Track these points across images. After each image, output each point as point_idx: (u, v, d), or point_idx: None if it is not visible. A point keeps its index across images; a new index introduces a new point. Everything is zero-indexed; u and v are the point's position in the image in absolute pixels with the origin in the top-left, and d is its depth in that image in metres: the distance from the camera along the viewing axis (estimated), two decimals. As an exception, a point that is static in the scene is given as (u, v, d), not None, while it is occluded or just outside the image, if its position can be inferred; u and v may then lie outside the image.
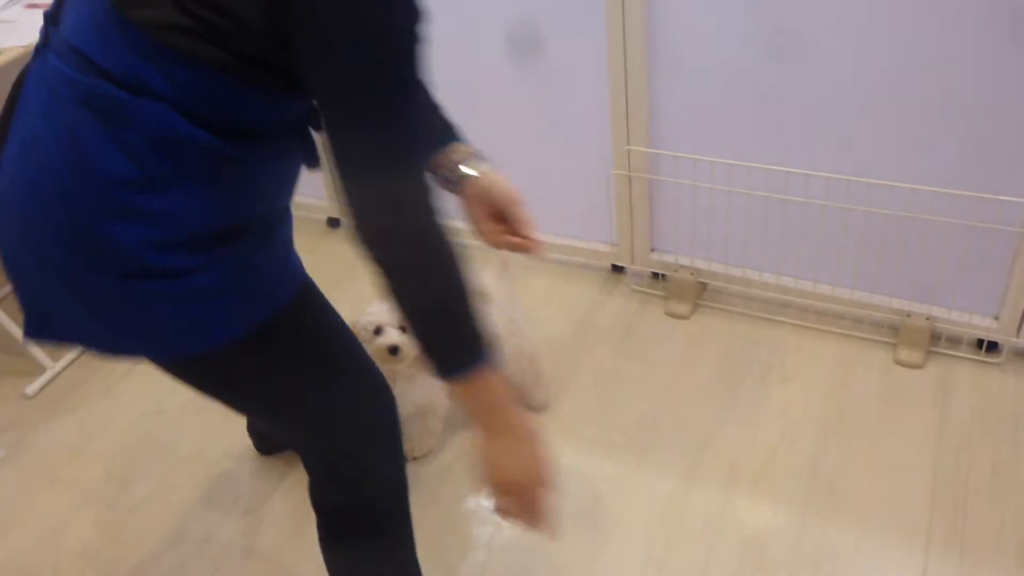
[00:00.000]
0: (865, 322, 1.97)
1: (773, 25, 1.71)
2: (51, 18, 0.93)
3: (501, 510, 1.02)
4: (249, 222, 0.95)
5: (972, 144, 1.67)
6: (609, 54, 1.86)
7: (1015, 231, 1.68)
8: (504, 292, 1.80)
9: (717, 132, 1.89)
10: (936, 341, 1.89)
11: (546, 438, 1.01)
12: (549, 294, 2.20)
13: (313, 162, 1.02)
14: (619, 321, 2.10)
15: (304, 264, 1.14)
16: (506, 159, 2.18)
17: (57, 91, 0.87)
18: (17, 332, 2.08)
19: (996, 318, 1.83)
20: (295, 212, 1.10)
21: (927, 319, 1.87)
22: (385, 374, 1.23)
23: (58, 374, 2.14)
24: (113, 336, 0.97)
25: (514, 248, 1.18)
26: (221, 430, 1.91)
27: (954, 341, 1.89)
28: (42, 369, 2.12)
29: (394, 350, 1.57)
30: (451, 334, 0.93)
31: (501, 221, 1.17)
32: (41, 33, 0.94)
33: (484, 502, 1.05)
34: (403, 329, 1.57)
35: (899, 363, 1.87)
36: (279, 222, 1.03)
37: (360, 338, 1.37)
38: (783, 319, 2.02)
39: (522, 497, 1.00)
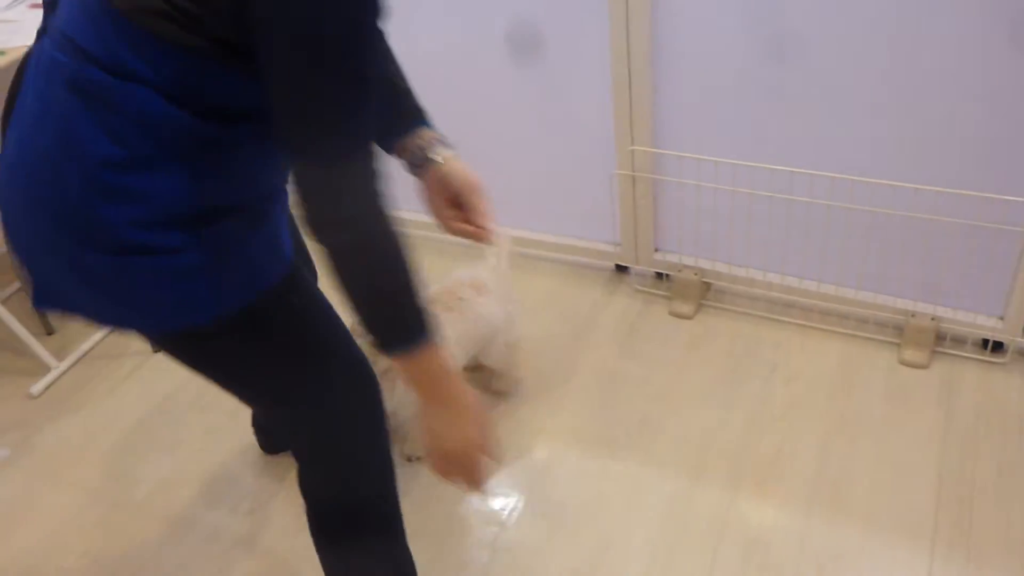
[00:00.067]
0: (870, 322, 1.96)
1: (778, 24, 1.70)
2: (50, 5, 0.98)
3: (440, 474, 1.09)
4: (236, 203, 0.98)
5: (977, 144, 1.66)
6: (612, 53, 1.86)
7: (1020, 231, 1.68)
8: (501, 284, 1.80)
9: (721, 132, 1.88)
10: (941, 341, 1.89)
11: (484, 407, 1.08)
12: (553, 294, 2.20)
13: None
14: (623, 321, 2.10)
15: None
16: (510, 159, 2.20)
17: (50, 75, 0.92)
18: (22, 332, 2.08)
19: (1001, 318, 1.83)
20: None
21: (932, 319, 1.86)
22: (387, 374, 1.23)
23: (63, 374, 2.14)
24: (106, 308, 1.02)
25: (467, 236, 1.21)
26: (225, 429, 1.92)
27: (959, 341, 1.88)
28: (47, 369, 2.13)
29: None
30: (393, 314, 0.97)
31: (459, 208, 1.20)
32: (42, 20, 0.99)
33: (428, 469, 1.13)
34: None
35: (904, 363, 1.87)
36: (271, 204, 1.05)
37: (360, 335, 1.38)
38: (787, 319, 2.02)
39: (462, 462, 1.07)
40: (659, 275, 2.17)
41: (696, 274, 2.07)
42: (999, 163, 1.66)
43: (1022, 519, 1.54)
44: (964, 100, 1.63)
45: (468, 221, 1.20)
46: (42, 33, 0.98)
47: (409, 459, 1.79)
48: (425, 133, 1.17)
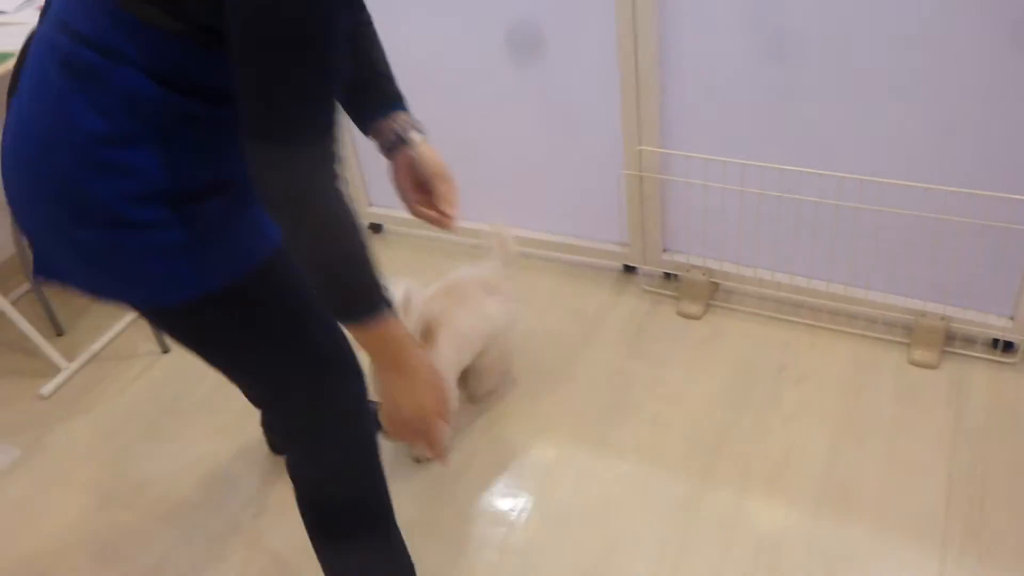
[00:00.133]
0: (879, 322, 1.96)
1: (785, 24, 1.70)
2: None
3: (398, 439, 1.14)
4: (221, 182, 1.01)
5: (986, 143, 1.66)
6: (620, 53, 1.86)
7: (1031, 230, 1.68)
8: (505, 283, 1.80)
9: (729, 131, 1.88)
10: (951, 341, 1.88)
11: (439, 373, 1.11)
12: (561, 294, 2.20)
13: None
14: (631, 321, 2.09)
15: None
16: (518, 159, 2.20)
17: (47, 54, 0.97)
18: (32, 333, 2.10)
19: (1011, 318, 1.82)
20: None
21: (942, 319, 1.86)
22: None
23: (73, 375, 2.15)
24: (104, 283, 1.06)
25: (429, 221, 1.26)
26: (234, 430, 1.92)
27: (969, 341, 1.88)
28: (57, 370, 2.14)
29: None
30: (347, 287, 1.00)
31: (426, 193, 1.25)
32: (44, 3, 1.05)
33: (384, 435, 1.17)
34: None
35: (913, 363, 1.86)
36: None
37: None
38: (796, 319, 2.02)
39: (419, 428, 1.11)
40: (667, 275, 2.16)
41: (704, 274, 2.07)
42: (1009, 162, 1.65)
43: (1033, 520, 1.54)
44: (975, 99, 1.62)
45: (432, 206, 1.24)
46: (43, 16, 1.03)
47: (418, 460, 1.79)
48: (401, 117, 1.21)
